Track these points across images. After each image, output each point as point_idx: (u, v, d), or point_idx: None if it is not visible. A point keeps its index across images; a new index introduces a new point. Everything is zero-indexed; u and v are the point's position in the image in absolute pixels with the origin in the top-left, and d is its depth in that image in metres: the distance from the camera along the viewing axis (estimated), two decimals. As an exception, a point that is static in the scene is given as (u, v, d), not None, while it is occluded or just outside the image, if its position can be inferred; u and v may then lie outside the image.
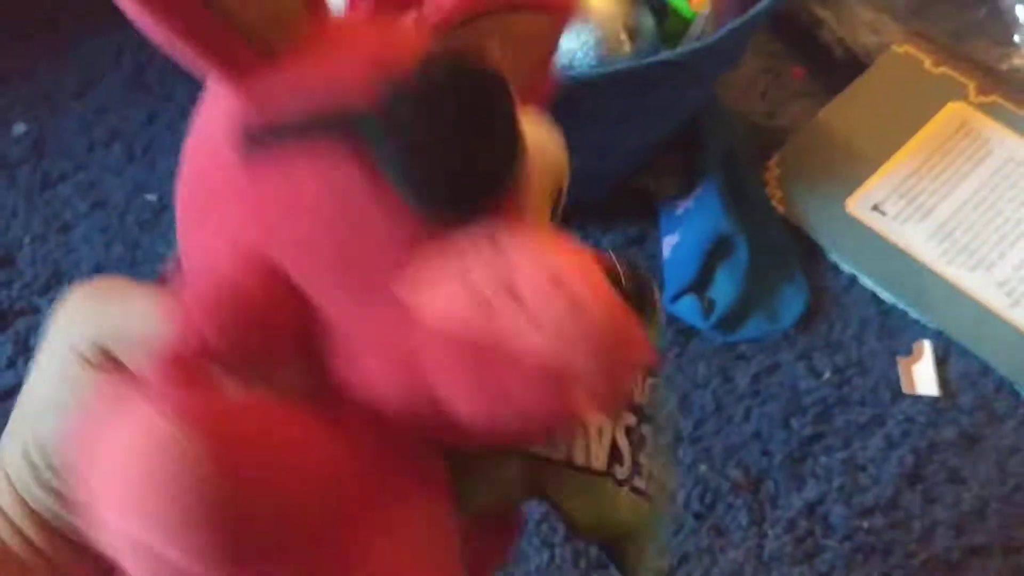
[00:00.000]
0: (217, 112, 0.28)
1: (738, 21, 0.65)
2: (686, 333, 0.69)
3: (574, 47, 0.63)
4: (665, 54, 0.62)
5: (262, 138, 0.27)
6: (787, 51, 0.87)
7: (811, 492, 0.62)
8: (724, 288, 0.70)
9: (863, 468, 0.63)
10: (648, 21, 0.65)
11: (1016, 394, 0.67)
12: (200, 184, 0.29)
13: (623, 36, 0.63)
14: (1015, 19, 0.80)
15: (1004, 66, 0.80)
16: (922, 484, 0.63)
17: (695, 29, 0.65)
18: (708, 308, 0.69)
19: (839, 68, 0.84)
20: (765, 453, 0.64)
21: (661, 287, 0.71)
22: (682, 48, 0.64)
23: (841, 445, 0.64)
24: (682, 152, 0.75)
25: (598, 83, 0.61)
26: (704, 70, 0.66)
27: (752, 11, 0.66)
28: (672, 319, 0.70)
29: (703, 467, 0.63)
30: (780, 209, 0.75)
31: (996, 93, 0.78)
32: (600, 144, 0.68)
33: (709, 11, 0.66)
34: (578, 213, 0.72)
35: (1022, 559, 0.60)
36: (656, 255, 0.73)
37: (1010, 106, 0.77)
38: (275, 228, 0.27)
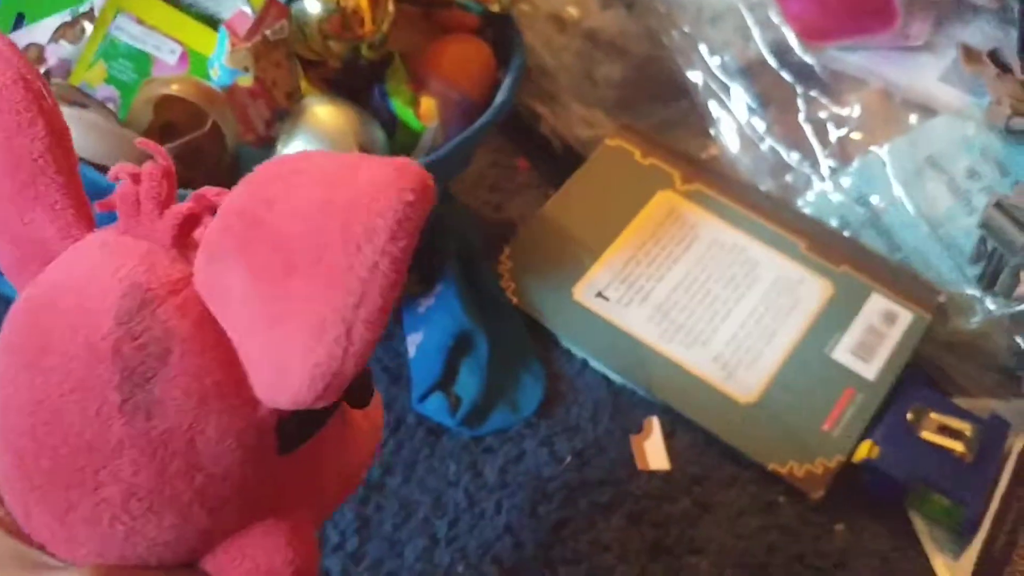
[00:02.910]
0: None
1: (465, 133, 0.68)
2: (435, 432, 0.71)
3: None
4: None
5: None
6: (511, 145, 0.91)
7: (563, 578, 0.66)
8: (468, 383, 0.73)
9: (608, 548, 0.67)
10: (379, 135, 0.67)
11: (737, 461, 0.73)
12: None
13: (355, 152, 0.64)
14: (709, 114, 0.88)
15: (703, 155, 0.88)
16: (665, 557, 0.67)
17: (425, 141, 0.68)
18: (455, 404, 0.71)
19: (559, 160, 0.90)
20: (517, 545, 0.66)
21: (409, 385, 0.73)
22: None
23: (586, 527, 0.68)
24: (420, 252, 0.77)
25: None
26: (437, 178, 0.68)
27: (477, 123, 0.69)
28: (421, 419, 0.71)
29: (460, 567, 0.65)
30: (514, 300, 0.79)
31: (699, 181, 0.85)
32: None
33: (437, 123, 0.68)
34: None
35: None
36: (402, 353, 0.75)
37: (711, 192, 0.85)
38: None
